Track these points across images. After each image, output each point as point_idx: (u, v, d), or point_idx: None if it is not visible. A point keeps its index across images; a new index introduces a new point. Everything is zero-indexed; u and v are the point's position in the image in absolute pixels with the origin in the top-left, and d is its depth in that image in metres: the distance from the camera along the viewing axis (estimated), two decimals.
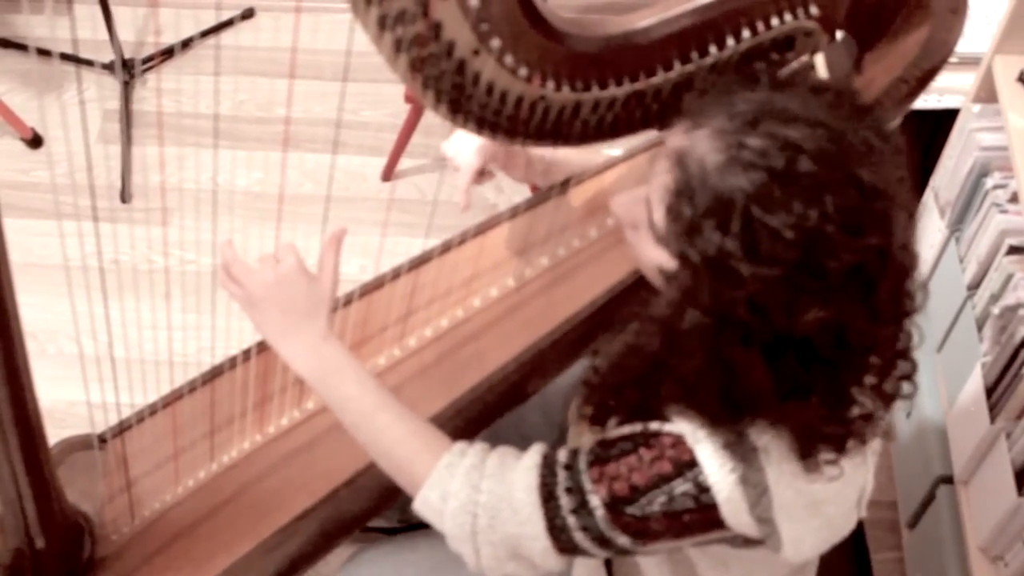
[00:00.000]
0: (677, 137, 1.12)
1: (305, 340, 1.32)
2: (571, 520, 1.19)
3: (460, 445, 1.28)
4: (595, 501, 1.18)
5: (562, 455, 1.23)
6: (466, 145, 1.55)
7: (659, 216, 1.11)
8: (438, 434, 1.31)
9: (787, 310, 1.04)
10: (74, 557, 1.41)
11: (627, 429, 1.21)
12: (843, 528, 1.25)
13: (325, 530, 1.48)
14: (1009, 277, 1.91)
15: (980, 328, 1.99)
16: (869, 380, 1.16)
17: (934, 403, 2.10)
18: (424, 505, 1.27)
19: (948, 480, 2.00)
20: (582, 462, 1.20)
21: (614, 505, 1.18)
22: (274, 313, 1.32)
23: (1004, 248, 1.95)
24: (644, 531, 1.18)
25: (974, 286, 2.04)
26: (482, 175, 1.56)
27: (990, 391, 1.89)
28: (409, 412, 1.32)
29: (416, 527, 1.87)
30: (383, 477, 1.44)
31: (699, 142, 1.08)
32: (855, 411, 1.16)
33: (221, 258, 1.35)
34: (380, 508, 1.52)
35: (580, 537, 1.20)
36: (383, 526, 1.85)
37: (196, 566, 1.43)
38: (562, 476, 1.21)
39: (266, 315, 1.33)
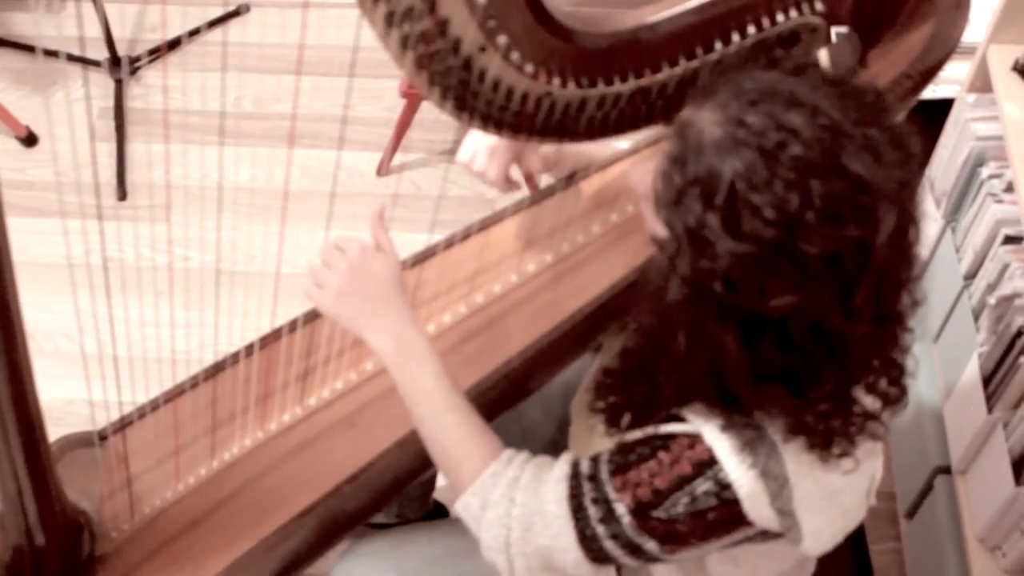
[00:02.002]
0: (687, 109, 1.12)
1: (388, 326, 1.33)
2: (600, 529, 1.20)
3: (508, 453, 1.29)
4: (621, 509, 1.19)
5: (585, 466, 1.24)
6: (481, 148, 1.54)
7: (657, 183, 1.12)
8: (494, 440, 1.32)
9: (759, 290, 1.05)
10: (74, 554, 1.41)
11: (643, 432, 1.21)
12: (857, 517, 1.26)
13: (326, 527, 1.48)
14: (1005, 267, 1.91)
15: (976, 318, 1.99)
16: (863, 381, 1.17)
17: (931, 393, 2.10)
18: (465, 509, 1.29)
19: (946, 470, 2.01)
20: (604, 472, 1.21)
21: (639, 511, 1.18)
22: (358, 302, 1.33)
23: (1000, 238, 1.95)
24: (671, 534, 1.19)
25: (970, 276, 2.04)
26: (509, 182, 1.56)
27: (987, 381, 1.89)
28: (473, 413, 1.33)
29: (414, 522, 1.88)
30: (385, 474, 1.44)
31: (701, 114, 1.08)
32: (856, 408, 1.17)
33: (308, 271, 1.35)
34: (381, 505, 1.52)
35: (610, 545, 1.21)
36: (381, 522, 1.85)
37: (197, 563, 1.42)
38: (587, 487, 1.22)
39: (352, 306, 1.34)
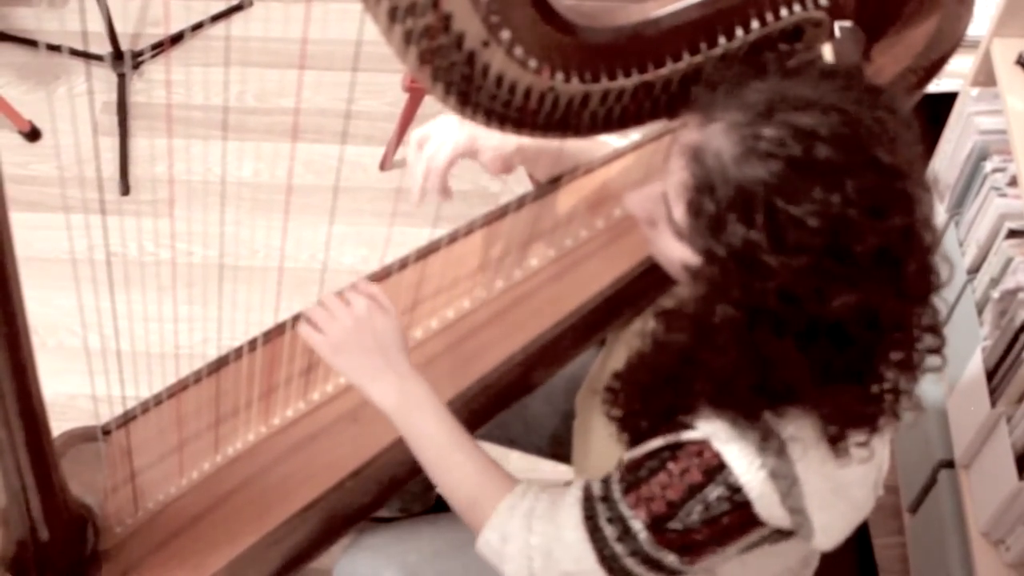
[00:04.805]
0: (690, 133, 1.11)
1: (389, 380, 1.34)
2: (619, 548, 1.21)
3: (521, 486, 1.30)
4: (637, 525, 1.19)
5: (597, 487, 1.24)
6: (441, 137, 1.52)
7: (679, 213, 1.11)
8: (504, 474, 1.32)
9: (818, 297, 1.04)
10: (77, 549, 1.41)
11: (652, 445, 1.21)
12: (866, 509, 1.26)
13: (329, 522, 1.48)
14: (1009, 261, 1.91)
15: (980, 312, 1.99)
16: (896, 355, 1.15)
17: (935, 387, 2.10)
18: (485, 546, 1.29)
19: (949, 464, 2.01)
20: (616, 491, 1.21)
21: (655, 525, 1.18)
22: (358, 356, 1.34)
23: (1003, 232, 1.95)
24: (689, 544, 1.19)
25: (974, 270, 2.04)
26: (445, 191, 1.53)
27: (990, 375, 1.89)
28: (480, 450, 1.34)
29: (417, 516, 1.88)
30: (388, 468, 1.45)
31: (714, 136, 1.07)
32: (886, 387, 1.17)
33: (304, 317, 1.36)
34: (385, 499, 1.52)
35: (631, 563, 1.21)
36: (384, 516, 1.85)
37: (201, 558, 1.42)
38: (601, 508, 1.22)
39: (351, 360, 1.34)
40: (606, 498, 1.22)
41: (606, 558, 1.21)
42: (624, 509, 1.20)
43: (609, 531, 1.21)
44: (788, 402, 1.14)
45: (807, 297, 1.05)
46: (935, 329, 1.18)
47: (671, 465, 1.18)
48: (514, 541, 1.26)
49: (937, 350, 1.20)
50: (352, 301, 1.35)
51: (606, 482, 1.23)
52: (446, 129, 1.51)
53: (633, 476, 1.21)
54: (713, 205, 1.06)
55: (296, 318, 1.56)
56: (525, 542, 1.25)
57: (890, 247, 1.04)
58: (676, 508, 1.17)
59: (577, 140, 1.42)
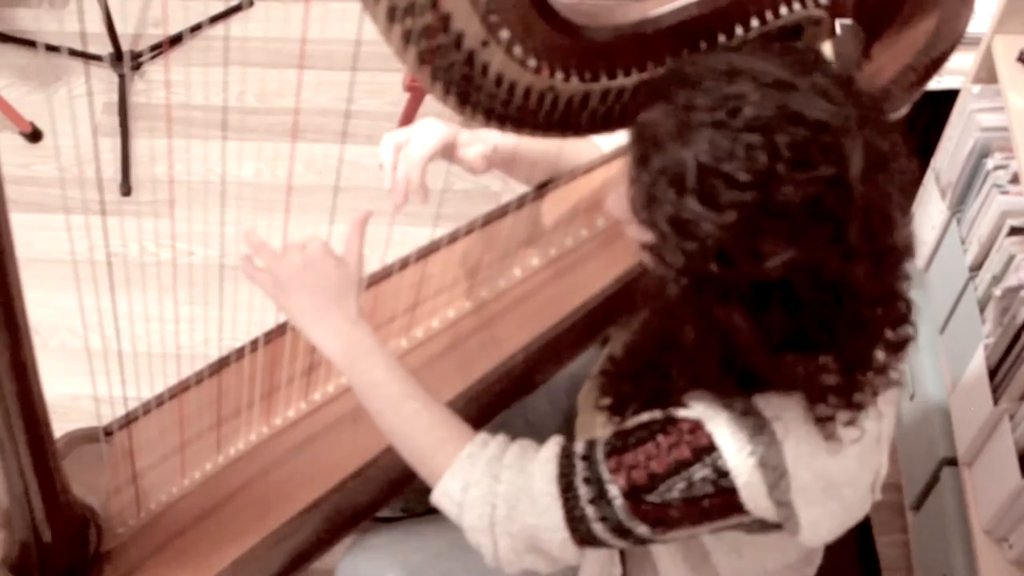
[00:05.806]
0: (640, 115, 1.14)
1: (335, 324, 1.32)
2: (589, 510, 1.20)
3: (482, 436, 1.28)
4: (614, 491, 1.18)
5: (579, 446, 1.23)
6: (418, 137, 1.51)
7: (629, 192, 1.13)
8: (461, 424, 1.31)
9: (754, 255, 1.05)
10: (80, 551, 1.41)
11: (644, 417, 1.21)
12: (859, 511, 1.25)
13: (332, 522, 1.49)
14: (1011, 258, 1.91)
15: (982, 310, 1.99)
16: (861, 324, 1.15)
17: (937, 385, 2.10)
18: (444, 496, 1.26)
19: (952, 462, 2.01)
20: (599, 452, 1.21)
21: (633, 494, 1.18)
22: (303, 297, 1.32)
23: (1005, 229, 1.95)
24: (663, 519, 1.19)
25: (976, 268, 2.04)
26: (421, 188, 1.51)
27: (993, 373, 1.89)
28: (434, 401, 1.32)
29: (419, 516, 1.88)
30: (390, 468, 1.44)
31: (651, 113, 1.10)
32: (855, 358, 1.16)
33: (246, 247, 1.34)
34: (387, 499, 1.53)
35: (599, 528, 1.20)
36: (386, 516, 1.85)
37: (203, 559, 1.42)
38: (580, 466, 1.21)
39: (295, 299, 1.32)
40: (587, 457, 1.21)
41: (574, 518, 1.20)
42: (604, 472, 1.19)
43: (583, 491, 1.20)
44: (763, 383, 1.15)
45: (744, 256, 1.05)
46: (899, 295, 1.18)
47: (660, 438, 1.18)
48: (477, 488, 1.24)
49: (905, 319, 1.19)
50: (307, 243, 1.33)
51: (591, 443, 1.23)
52: (423, 130, 1.50)
53: (620, 442, 1.20)
54: (647, 175, 1.08)
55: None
56: (490, 489, 1.23)
57: (821, 200, 1.04)
58: (657, 481, 1.17)
59: (553, 146, 1.43)
